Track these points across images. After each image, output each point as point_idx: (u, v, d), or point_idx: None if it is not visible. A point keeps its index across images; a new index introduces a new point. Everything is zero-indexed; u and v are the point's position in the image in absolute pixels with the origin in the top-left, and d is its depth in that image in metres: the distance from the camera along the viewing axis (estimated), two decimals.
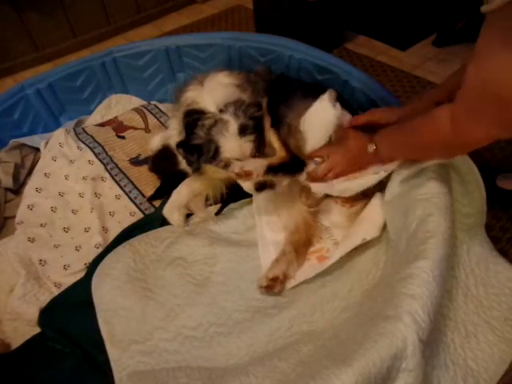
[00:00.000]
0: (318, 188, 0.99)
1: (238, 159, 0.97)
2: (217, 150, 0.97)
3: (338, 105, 1.02)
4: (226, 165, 0.98)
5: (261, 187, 0.98)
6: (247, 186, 0.99)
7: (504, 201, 1.22)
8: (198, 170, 1.04)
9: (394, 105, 1.24)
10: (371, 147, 0.91)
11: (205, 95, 1.02)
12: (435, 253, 0.72)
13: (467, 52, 1.61)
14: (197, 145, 0.99)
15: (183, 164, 1.10)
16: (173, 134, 1.09)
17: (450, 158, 0.86)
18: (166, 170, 1.27)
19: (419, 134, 0.80)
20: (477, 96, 0.63)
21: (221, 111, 0.98)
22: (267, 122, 1.11)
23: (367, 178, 0.95)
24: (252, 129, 0.98)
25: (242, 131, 0.96)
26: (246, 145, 0.97)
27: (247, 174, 0.93)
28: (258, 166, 0.95)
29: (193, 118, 0.99)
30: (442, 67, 1.81)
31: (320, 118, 1.01)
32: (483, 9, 0.53)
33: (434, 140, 0.78)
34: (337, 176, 0.98)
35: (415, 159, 0.89)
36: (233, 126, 0.96)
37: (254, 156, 0.99)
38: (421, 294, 0.66)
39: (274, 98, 1.13)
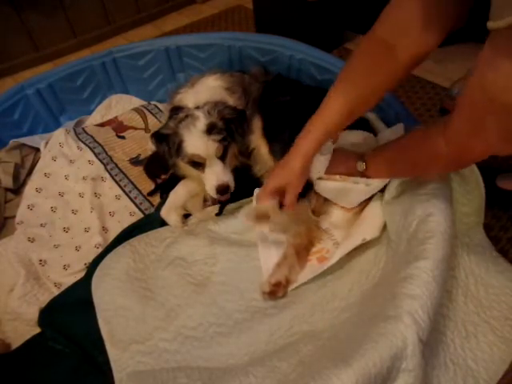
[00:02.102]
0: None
1: (201, 157, 0.98)
2: (180, 144, 0.98)
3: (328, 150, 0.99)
4: (191, 162, 1.00)
5: (223, 191, 1.00)
6: (208, 185, 1.02)
7: (504, 201, 1.22)
8: (173, 165, 1.07)
9: (394, 105, 1.25)
10: (361, 166, 0.91)
11: (190, 95, 1.07)
12: (435, 253, 0.72)
13: (466, 52, 1.61)
14: (165, 135, 1.01)
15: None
16: None
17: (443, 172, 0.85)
18: (157, 172, 1.28)
19: (413, 153, 0.78)
20: (478, 106, 0.60)
21: (196, 108, 1.00)
22: (257, 126, 1.11)
23: (346, 184, 0.97)
24: (221, 129, 0.99)
25: (210, 130, 0.97)
26: (211, 143, 0.97)
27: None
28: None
29: (173, 113, 1.03)
30: (441, 67, 1.80)
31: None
32: (490, 25, 0.50)
33: (428, 158, 0.75)
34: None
35: (409, 177, 0.89)
36: (201, 122, 0.97)
37: (220, 157, 1.00)
38: (421, 294, 0.66)
39: (267, 107, 1.14)
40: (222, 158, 1.02)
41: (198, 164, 1.01)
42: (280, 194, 0.90)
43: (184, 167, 1.07)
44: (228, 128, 1.02)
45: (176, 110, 1.04)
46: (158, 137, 1.04)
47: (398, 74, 0.78)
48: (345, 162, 0.97)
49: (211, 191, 1.02)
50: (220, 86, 1.11)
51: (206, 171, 1.01)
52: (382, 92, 0.82)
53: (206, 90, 1.08)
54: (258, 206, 0.91)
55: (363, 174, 0.93)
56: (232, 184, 1.03)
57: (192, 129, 0.97)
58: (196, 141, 0.97)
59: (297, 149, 0.85)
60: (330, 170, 0.99)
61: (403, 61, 0.76)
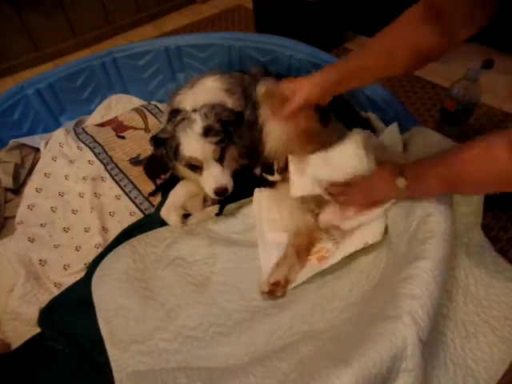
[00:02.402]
0: (326, 217, 0.99)
1: (198, 159, 0.99)
2: (177, 147, 0.99)
3: (367, 148, 0.93)
4: (188, 165, 1.01)
5: (221, 193, 1.01)
6: (207, 187, 1.02)
7: (504, 201, 1.22)
8: (173, 168, 1.08)
9: (394, 105, 1.25)
10: (401, 182, 0.80)
11: (188, 97, 1.07)
12: (435, 253, 0.72)
13: (467, 52, 1.61)
14: (162, 139, 1.01)
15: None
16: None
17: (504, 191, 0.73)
18: (157, 172, 1.29)
19: (468, 167, 0.67)
20: None
21: (194, 111, 1.00)
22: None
23: (375, 213, 0.91)
24: (217, 131, 0.99)
25: (206, 132, 0.97)
26: (208, 146, 0.97)
27: None
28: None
29: (172, 116, 1.03)
30: (441, 67, 1.80)
31: (344, 162, 0.93)
32: None
33: (488, 174, 0.64)
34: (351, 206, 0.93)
35: (459, 194, 0.84)
36: (197, 125, 0.97)
37: (218, 159, 1.00)
38: (421, 295, 0.66)
39: None
40: (220, 160, 1.02)
41: (196, 167, 1.01)
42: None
43: (183, 170, 1.07)
44: (226, 130, 1.02)
45: (175, 112, 1.04)
46: (156, 141, 1.04)
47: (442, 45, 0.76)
48: (389, 180, 0.83)
49: (210, 193, 1.02)
50: (219, 87, 1.11)
51: (204, 174, 1.01)
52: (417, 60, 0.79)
53: (205, 92, 1.08)
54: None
55: (402, 193, 0.81)
56: (230, 186, 1.03)
57: (189, 132, 0.97)
58: (193, 144, 0.97)
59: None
60: (372, 195, 0.90)
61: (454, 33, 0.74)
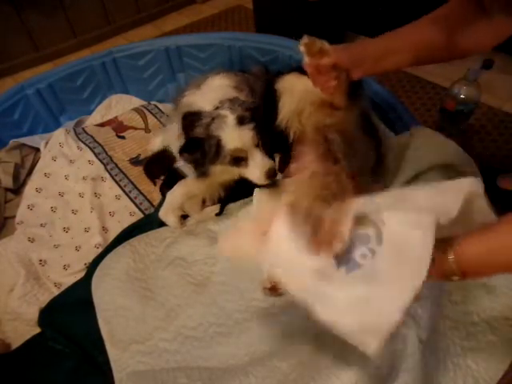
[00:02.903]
0: None
1: (241, 150, 0.97)
2: (219, 145, 0.97)
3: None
4: (232, 160, 0.99)
5: (271, 175, 0.99)
6: (256, 175, 0.99)
7: (504, 201, 1.22)
8: (204, 173, 1.04)
9: (393, 104, 1.25)
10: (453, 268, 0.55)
11: (200, 97, 1.04)
12: None
13: None
14: (198, 144, 0.99)
15: (182, 165, 1.10)
16: (172, 138, 1.10)
17: None
18: (158, 173, 1.28)
19: None
20: None
21: (217, 108, 0.99)
22: None
23: None
24: (249, 119, 0.98)
25: (240, 122, 0.97)
26: (246, 133, 0.97)
27: None
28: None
29: (190, 120, 1.00)
30: (441, 67, 1.80)
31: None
32: None
33: None
34: None
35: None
36: (230, 118, 0.96)
37: (256, 145, 1.00)
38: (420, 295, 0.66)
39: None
40: (258, 146, 1.01)
41: (240, 160, 1.00)
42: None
43: (220, 171, 1.04)
44: (254, 116, 1.01)
45: (192, 115, 1.01)
46: (191, 145, 0.99)
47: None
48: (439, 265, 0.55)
49: (261, 179, 1.01)
50: (227, 84, 1.10)
51: (250, 163, 1.00)
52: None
53: (216, 90, 1.06)
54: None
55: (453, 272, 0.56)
56: (276, 166, 1.03)
57: (225, 127, 0.96)
58: (234, 135, 0.96)
59: None
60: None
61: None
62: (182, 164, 1.16)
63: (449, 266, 0.55)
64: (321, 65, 0.84)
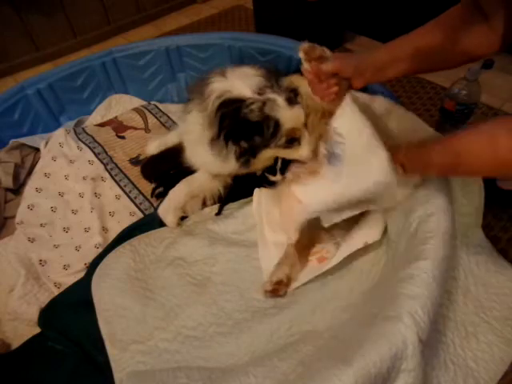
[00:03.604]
0: None
1: (297, 129, 0.98)
2: (276, 126, 0.96)
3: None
4: (288, 141, 0.99)
5: (317, 153, 0.98)
6: (307, 153, 1.00)
7: (504, 201, 1.22)
8: (248, 161, 1.03)
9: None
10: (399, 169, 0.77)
11: (235, 83, 0.99)
12: (435, 253, 0.72)
13: None
14: (254, 128, 0.96)
15: (201, 160, 1.10)
16: (192, 129, 1.07)
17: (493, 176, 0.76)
18: (154, 175, 1.28)
19: (469, 152, 0.67)
20: None
21: (259, 94, 0.96)
22: None
23: None
24: (293, 99, 0.98)
25: (290, 102, 0.96)
26: (298, 112, 0.97)
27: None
28: None
29: (233, 108, 0.96)
30: None
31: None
32: None
33: (487, 159, 0.64)
34: None
35: (452, 177, 0.85)
36: (280, 100, 0.95)
37: (304, 125, 1.00)
38: (421, 295, 0.66)
39: None
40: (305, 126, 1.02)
41: (293, 140, 1.00)
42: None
43: (264, 158, 1.03)
44: (296, 97, 1.01)
45: (228, 104, 0.96)
46: (247, 129, 0.97)
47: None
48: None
49: (309, 157, 1.01)
50: (257, 73, 1.05)
51: (303, 142, 1.01)
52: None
53: (249, 77, 1.02)
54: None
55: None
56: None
57: (278, 109, 0.95)
58: (289, 114, 0.96)
59: None
60: None
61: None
62: (204, 154, 1.09)
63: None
64: (321, 72, 0.84)
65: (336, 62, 0.84)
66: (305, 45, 0.85)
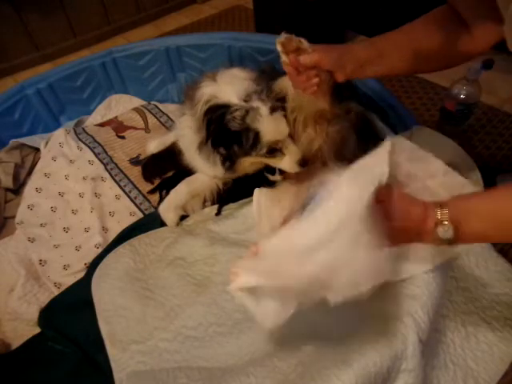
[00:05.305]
0: None
1: (278, 141, 0.97)
2: (256, 137, 0.95)
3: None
4: (269, 151, 0.98)
5: (302, 163, 0.99)
6: (291, 163, 0.99)
7: None
8: (232, 167, 1.03)
9: (393, 104, 1.25)
10: (447, 231, 0.54)
11: (224, 89, 0.99)
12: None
13: None
14: (233, 138, 0.96)
15: (195, 163, 1.10)
16: (185, 133, 1.08)
17: None
18: (154, 175, 1.28)
19: None
20: None
21: (246, 101, 0.96)
22: None
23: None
24: (280, 108, 0.98)
25: (273, 111, 0.95)
26: (281, 124, 0.97)
27: None
28: None
29: (218, 114, 0.96)
30: None
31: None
32: None
33: None
34: None
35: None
36: (264, 109, 0.94)
37: (288, 135, 0.99)
38: (421, 295, 0.66)
39: None
40: (289, 135, 1.01)
41: (275, 150, 0.99)
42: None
43: (249, 164, 1.04)
44: (283, 107, 1.00)
45: (219, 108, 0.96)
46: (226, 138, 0.96)
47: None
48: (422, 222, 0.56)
49: (294, 168, 1.01)
50: (247, 77, 1.05)
51: (287, 152, 1.00)
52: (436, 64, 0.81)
53: (238, 81, 1.01)
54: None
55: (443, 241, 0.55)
56: None
57: (261, 119, 0.94)
58: (270, 126, 0.95)
59: None
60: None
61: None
62: (197, 157, 1.10)
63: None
64: (299, 64, 0.82)
65: (315, 54, 0.81)
66: (281, 37, 0.83)
